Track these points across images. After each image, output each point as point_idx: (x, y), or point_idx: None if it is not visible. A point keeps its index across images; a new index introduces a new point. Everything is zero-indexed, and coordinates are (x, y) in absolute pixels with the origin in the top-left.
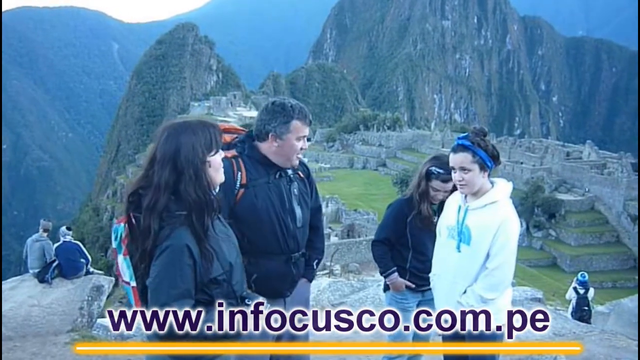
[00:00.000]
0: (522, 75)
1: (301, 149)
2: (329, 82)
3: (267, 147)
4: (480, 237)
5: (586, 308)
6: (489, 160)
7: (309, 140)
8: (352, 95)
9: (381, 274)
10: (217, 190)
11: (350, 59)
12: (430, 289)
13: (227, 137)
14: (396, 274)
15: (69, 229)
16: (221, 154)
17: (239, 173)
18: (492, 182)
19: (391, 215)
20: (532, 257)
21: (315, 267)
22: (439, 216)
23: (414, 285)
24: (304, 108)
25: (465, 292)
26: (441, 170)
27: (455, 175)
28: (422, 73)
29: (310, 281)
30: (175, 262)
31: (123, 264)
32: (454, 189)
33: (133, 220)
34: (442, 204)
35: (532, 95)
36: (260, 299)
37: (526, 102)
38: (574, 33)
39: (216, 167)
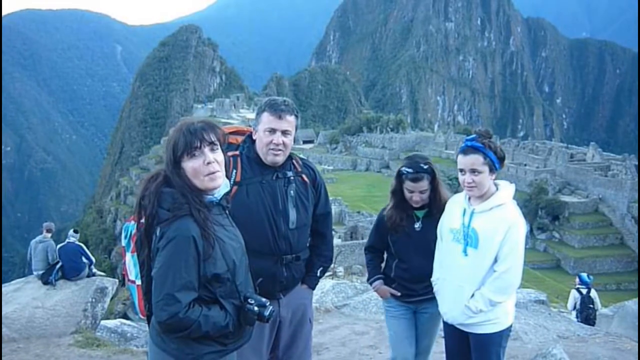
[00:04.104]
0: (526, 77)
1: (274, 143)
2: (332, 84)
3: (256, 145)
4: (488, 240)
5: (591, 306)
6: (497, 162)
7: (310, 142)
8: (355, 97)
9: (367, 280)
10: (215, 195)
11: (354, 61)
12: (425, 301)
13: (239, 139)
14: (379, 281)
15: (76, 231)
16: (204, 160)
17: (234, 171)
18: (495, 185)
19: (375, 221)
20: (536, 259)
21: (319, 274)
22: (423, 223)
23: (399, 294)
24: (280, 101)
25: (473, 295)
26: (410, 170)
27: (465, 178)
28: (425, 75)
29: (312, 288)
30: (181, 253)
31: (130, 261)
32: (435, 190)
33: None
34: (433, 210)
35: (536, 97)
36: (264, 301)
37: (530, 103)
38: (578, 35)
39: (190, 172)
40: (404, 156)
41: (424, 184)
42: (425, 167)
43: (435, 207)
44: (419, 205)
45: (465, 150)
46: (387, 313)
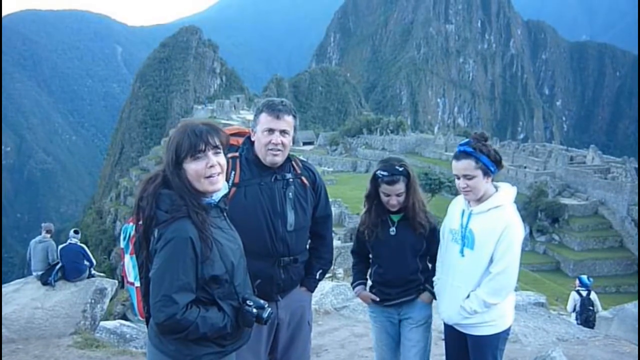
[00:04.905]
0: (526, 79)
1: (273, 143)
2: (333, 86)
3: (254, 146)
4: (484, 241)
5: (591, 308)
6: (491, 166)
7: (310, 144)
8: (356, 99)
9: (351, 284)
10: (213, 197)
11: (354, 62)
12: (404, 304)
13: (239, 140)
14: (360, 286)
15: (76, 232)
16: (207, 163)
17: (233, 173)
18: (496, 187)
19: (358, 227)
20: (535, 261)
21: (318, 276)
22: (398, 227)
23: (378, 299)
24: (277, 102)
25: (468, 296)
26: (385, 173)
27: (460, 182)
28: (425, 77)
29: (311, 291)
30: (178, 255)
31: (129, 263)
32: (410, 193)
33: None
34: (409, 214)
35: (536, 100)
36: (262, 303)
37: (530, 106)
38: (578, 37)
39: (192, 174)
40: (404, 158)
41: (400, 187)
42: (401, 169)
43: (410, 211)
44: (396, 209)
45: (458, 156)
46: (370, 319)
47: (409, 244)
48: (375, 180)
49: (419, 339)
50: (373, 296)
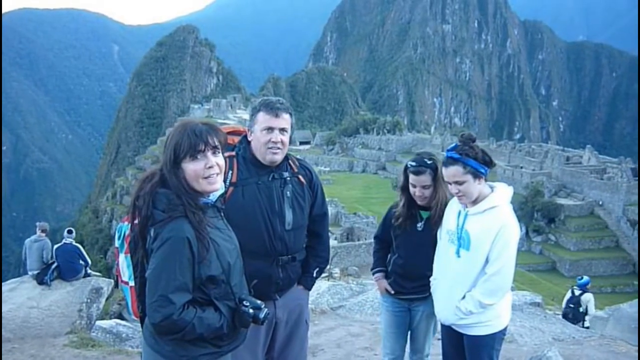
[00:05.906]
0: (523, 79)
1: (272, 141)
2: (329, 85)
3: (252, 145)
4: (480, 242)
5: (572, 306)
6: (481, 168)
7: (307, 143)
8: (352, 99)
9: (371, 269)
10: (210, 197)
11: (351, 62)
12: (417, 300)
13: (235, 139)
14: (380, 274)
15: (70, 232)
16: (206, 164)
17: (230, 172)
18: (491, 187)
19: (385, 213)
20: (532, 261)
21: (315, 274)
22: (426, 224)
23: (393, 291)
24: (275, 100)
25: (464, 297)
26: (414, 163)
27: (452, 188)
28: (422, 77)
29: (308, 289)
30: (175, 254)
31: (124, 262)
32: (435, 189)
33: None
34: (436, 212)
35: (532, 100)
36: (259, 303)
37: (526, 106)
38: (575, 38)
39: (190, 174)
40: (401, 158)
41: (426, 179)
42: (429, 162)
43: (439, 209)
44: (423, 203)
45: (445, 163)
46: (382, 307)
47: (433, 241)
48: (405, 171)
49: (427, 330)
50: (389, 287)
